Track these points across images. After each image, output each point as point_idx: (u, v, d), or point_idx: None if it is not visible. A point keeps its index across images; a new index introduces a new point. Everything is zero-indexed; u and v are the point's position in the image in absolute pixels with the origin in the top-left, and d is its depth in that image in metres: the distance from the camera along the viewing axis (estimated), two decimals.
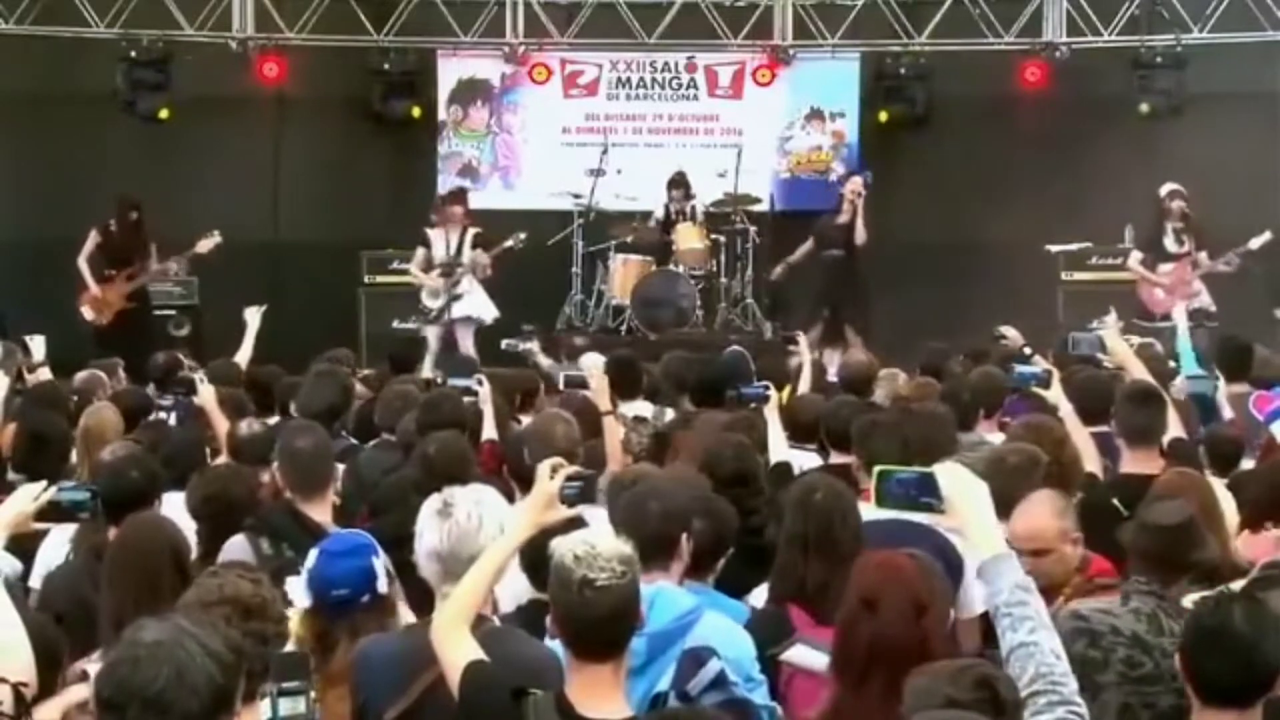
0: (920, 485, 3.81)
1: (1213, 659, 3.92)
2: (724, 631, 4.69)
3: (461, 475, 5.59)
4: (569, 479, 4.43)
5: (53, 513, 4.73)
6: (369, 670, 4.41)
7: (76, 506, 4.79)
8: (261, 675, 3.74)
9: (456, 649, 4.16)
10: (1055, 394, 7.44)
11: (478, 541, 4.43)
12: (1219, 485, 6.43)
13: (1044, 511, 5.25)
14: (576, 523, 4.46)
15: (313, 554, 4.78)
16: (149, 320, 15.11)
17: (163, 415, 9.44)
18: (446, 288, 14.46)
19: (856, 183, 15.37)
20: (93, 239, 14.57)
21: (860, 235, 15.10)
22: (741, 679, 4.42)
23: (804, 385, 9.74)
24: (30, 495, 4.66)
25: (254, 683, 3.70)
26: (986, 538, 3.79)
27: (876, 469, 3.91)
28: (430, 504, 4.57)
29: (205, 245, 14.29)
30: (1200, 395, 8.97)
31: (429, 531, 4.49)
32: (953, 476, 3.81)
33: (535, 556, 4.48)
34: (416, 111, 17.22)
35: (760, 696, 4.56)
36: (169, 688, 2.99)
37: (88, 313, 14.51)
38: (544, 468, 4.50)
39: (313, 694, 3.41)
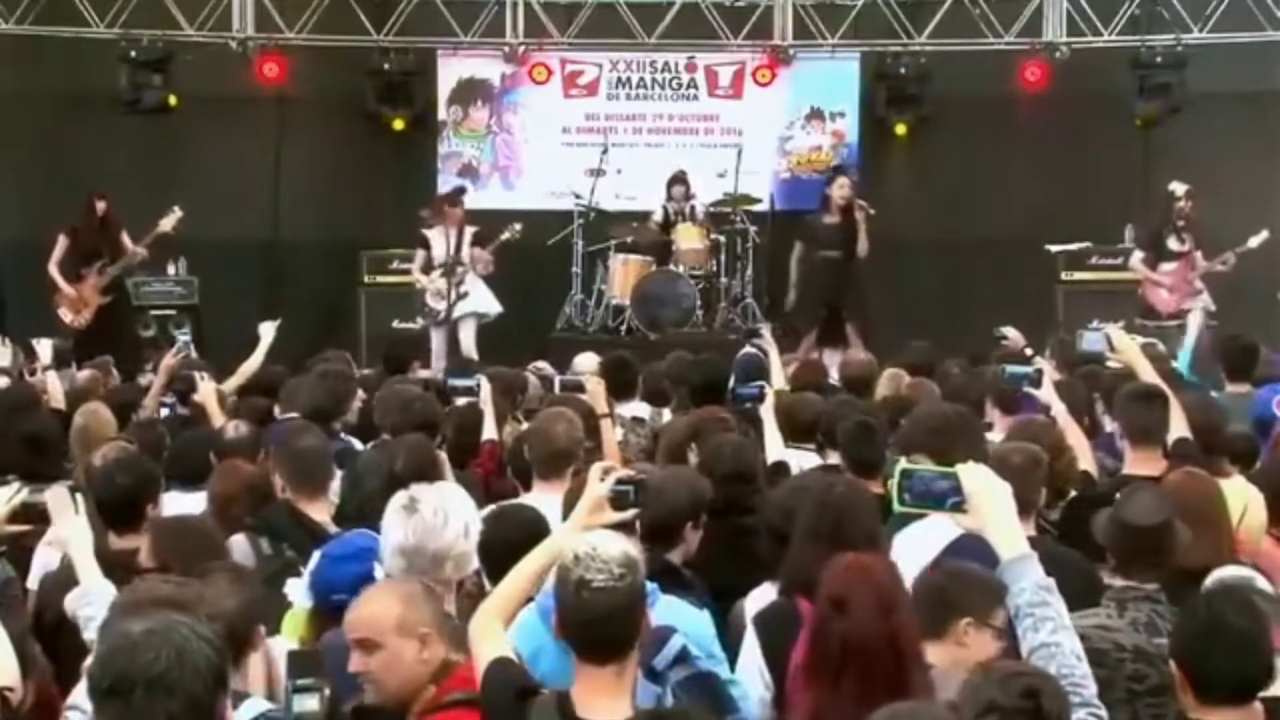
0: (943, 484, 3.82)
1: (1213, 656, 3.92)
2: (682, 612, 4.73)
3: (426, 480, 5.58)
4: (619, 482, 4.41)
5: (24, 515, 4.75)
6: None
7: (26, 509, 4.82)
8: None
9: (487, 645, 4.16)
10: (1047, 393, 7.43)
11: (443, 538, 4.44)
12: (1244, 483, 6.43)
13: (384, 595, 4.22)
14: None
15: (315, 556, 4.77)
16: (128, 315, 15.03)
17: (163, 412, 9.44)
18: (450, 287, 14.44)
19: (845, 185, 15.09)
20: (61, 243, 14.42)
21: (863, 247, 14.94)
22: (704, 654, 4.43)
23: (776, 381, 9.65)
24: (3, 499, 4.67)
25: None
26: (1008, 539, 3.81)
27: (899, 467, 3.92)
28: (395, 500, 4.57)
29: (168, 223, 14.12)
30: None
31: (394, 528, 4.49)
32: (975, 476, 3.83)
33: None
34: (416, 112, 17.22)
35: (725, 672, 4.57)
36: (172, 668, 2.97)
37: (65, 315, 14.31)
38: (595, 470, 4.49)
39: (327, 691, 3.40)
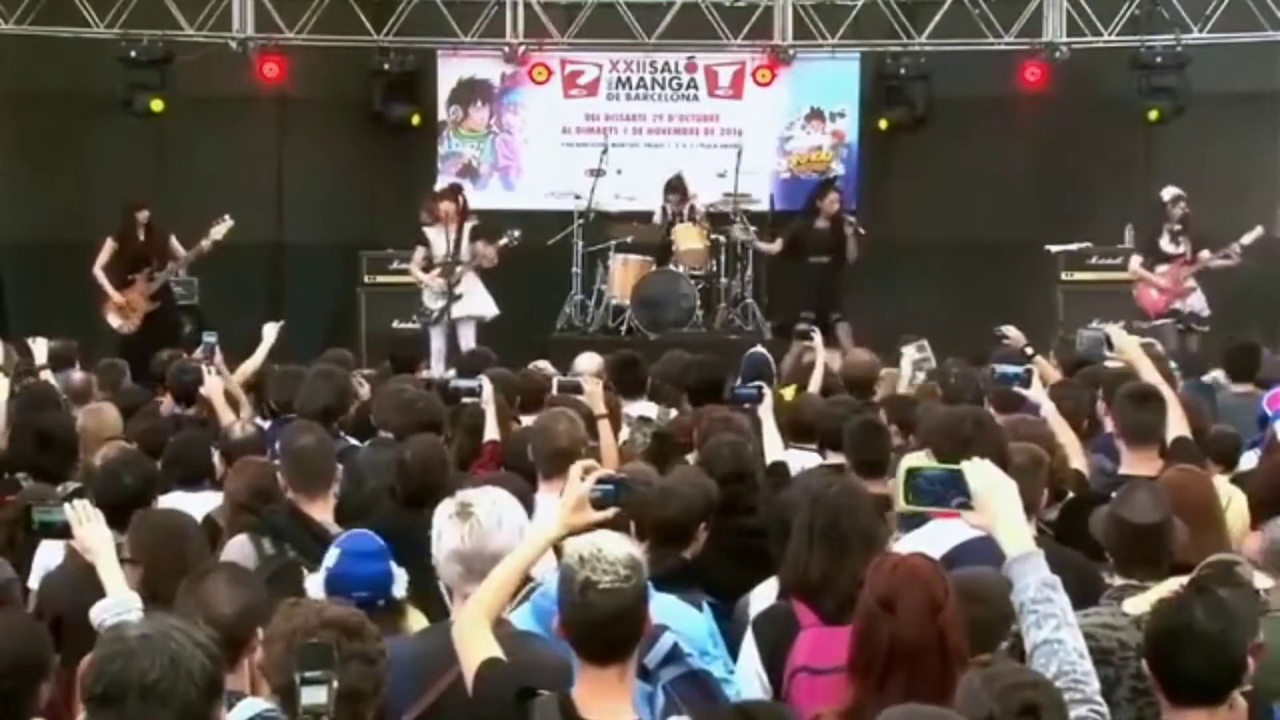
0: (949, 483, 3.84)
1: (1182, 657, 3.94)
2: (674, 609, 4.73)
3: (439, 483, 5.57)
4: (600, 481, 4.39)
5: (43, 533, 4.77)
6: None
7: (45, 527, 4.83)
8: (372, 695, 3.75)
9: (475, 647, 4.16)
10: (1037, 393, 7.44)
11: (499, 540, 4.44)
12: (1225, 482, 6.44)
13: None
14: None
15: (333, 553, 4.79)
16: (175, 321, 14.92)
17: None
18: (447, 287, 14.44)
19: (835, 200, 15.30)
20: (109, 247, 14.24)
21: (853, 253, 15.09)
22: (697, 652, 4.42)
23: (815, 384, 9.71)
24: (74, 520, 4.70)
25: (364, 704, 3.73)
26: (1014, 535, 3.82)
27: (906, 466, 3.92)
28: (445, 507, 4.56)
29: (219, 231, 13.95)
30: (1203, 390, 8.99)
31: (448, 533, 4.49)
32: (981, 474, 3.84)
33: None
34: (416, 112, 17.22)
35: (718, 670, 4.56)
36: (165, 676, 2.97)
37: (114, 320, 14.18)
38: (575, 469, 4.47)
39: (335, 684, 3.40)
